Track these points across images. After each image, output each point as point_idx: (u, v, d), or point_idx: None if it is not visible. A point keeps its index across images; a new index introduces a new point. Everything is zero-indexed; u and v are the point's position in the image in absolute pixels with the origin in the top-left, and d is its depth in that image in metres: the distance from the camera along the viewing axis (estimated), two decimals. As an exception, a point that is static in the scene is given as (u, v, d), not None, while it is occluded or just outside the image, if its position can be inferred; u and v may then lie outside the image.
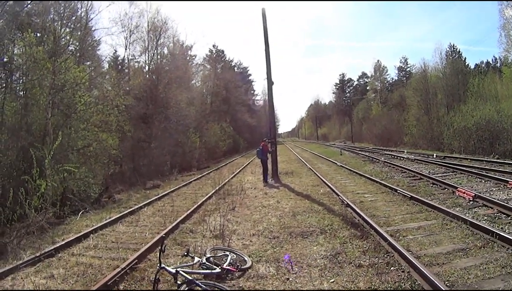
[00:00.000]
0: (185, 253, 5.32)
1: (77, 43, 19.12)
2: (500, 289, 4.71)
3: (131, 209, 11.33)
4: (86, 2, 19.28)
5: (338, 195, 11.57)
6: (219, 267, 5.40)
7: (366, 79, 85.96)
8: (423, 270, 5.03)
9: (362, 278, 5.31)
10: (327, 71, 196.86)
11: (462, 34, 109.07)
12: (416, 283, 5.02)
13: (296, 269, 5.81)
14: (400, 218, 8.53)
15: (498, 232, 6.41)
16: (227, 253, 6.15)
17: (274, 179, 17.12)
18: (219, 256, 6.08)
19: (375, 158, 24.41)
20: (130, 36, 27.42)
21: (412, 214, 8.83)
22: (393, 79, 75.03)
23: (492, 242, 6.27)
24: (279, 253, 6.62)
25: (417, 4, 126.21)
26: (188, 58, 37.70)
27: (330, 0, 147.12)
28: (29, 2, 16.60)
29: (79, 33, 19.34)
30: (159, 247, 4.82)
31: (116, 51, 30.62)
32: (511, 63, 31.64)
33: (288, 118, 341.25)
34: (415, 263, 5.28)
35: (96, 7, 23.53)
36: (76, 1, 18.92)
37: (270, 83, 17.94)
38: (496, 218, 7.97)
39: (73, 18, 19.11)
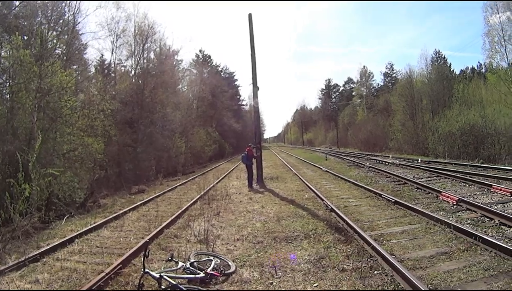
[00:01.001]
0: (169, 258, 5.31)
1: (64, 47, 18.94)
2: (483, 291, 4.79)
3: (116, 214, 11.23)
4: (73, 5, 19.11)
5: (322, 200, 11.63)
6: (203, 271, 5.43)
7: (352, 85, 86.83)
8: (406, 273, 5.09)
9: (346, 282, 5.36)
10: (314, 76, 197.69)
11: (447, 40, 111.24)
12: (399, 286, 5.08)
13: (280, 273, 5.83)
14: (384, 222, 8.62)
15: (481, 235, 6.54)
16: (211, 258, 6.16)
17: (259, 184, 17.13)
18: (203, 260, 6.08)
19: (360, 163, 24.55)
20: (116, 40, 27.15)
21: (396, 218, 8.91)
22: (378, 84, 76.15)
23: (475, 245, 6.37)
24: (263, 257, 6.64)
25: (404, 10, 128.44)
26: (174, 62, 37.44)
27: (321, 0, 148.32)
28: (17, 4, 16.45)
29: (66, 36, 19.16)
30: (143, 252, 4.80)
31: (102, 55, 30.27)
32: (496, 69, 32.16)
33: (274, 123, 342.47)
34: (398, 267, 5.34)
35: (83, 10, 23.24)
36: (63, 4, 18.74)
37: (255, 88, 17.99)
38: (480, 222, 8.10)
39: (61, 21, 18.90)
